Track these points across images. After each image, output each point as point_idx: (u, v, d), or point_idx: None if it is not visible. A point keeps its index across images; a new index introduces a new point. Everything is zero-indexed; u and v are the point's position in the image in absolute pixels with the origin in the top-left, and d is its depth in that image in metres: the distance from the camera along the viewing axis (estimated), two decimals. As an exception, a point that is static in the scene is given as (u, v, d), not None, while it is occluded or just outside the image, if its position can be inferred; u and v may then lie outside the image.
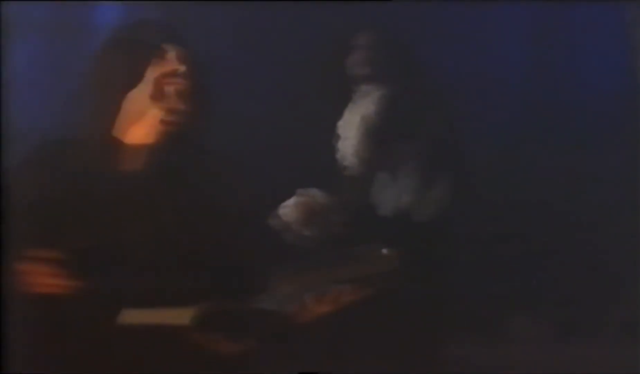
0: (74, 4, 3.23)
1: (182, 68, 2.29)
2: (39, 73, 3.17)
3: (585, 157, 3.40)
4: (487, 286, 3.28)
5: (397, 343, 3.12)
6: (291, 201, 3.22)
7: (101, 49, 2.34)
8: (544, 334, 3.33)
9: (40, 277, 2.11)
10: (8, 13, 2.83)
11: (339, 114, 3.35)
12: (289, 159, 3.26)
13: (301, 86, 3.31)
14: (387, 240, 3.13)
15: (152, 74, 2.28)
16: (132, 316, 2.09)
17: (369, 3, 3.28)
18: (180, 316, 2.06)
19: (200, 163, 2.38)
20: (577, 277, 3.35)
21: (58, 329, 2.15)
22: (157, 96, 2.28)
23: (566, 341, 3.30)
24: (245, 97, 3.30)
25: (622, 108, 3.38)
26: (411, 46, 3.32)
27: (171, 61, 2.29)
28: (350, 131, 3.31)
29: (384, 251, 2.22)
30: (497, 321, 3.33)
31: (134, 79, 2.28)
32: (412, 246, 3.18)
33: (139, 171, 2.28)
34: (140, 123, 2.29)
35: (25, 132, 2.70)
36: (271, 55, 3.36)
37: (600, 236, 3.36)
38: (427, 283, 3.18)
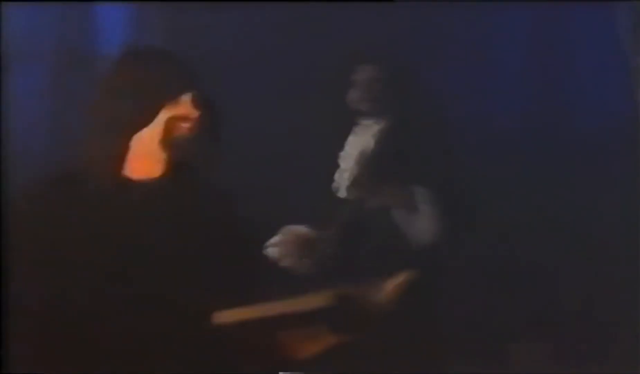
0: (77, 35, 3.27)
1: (195, 114, 2.28)
2: (40, 101, 3.20)
3: (585, 176, 3.42)
4: (488, 312, 3.29)
5: (400, 369, 3.12)
6: (276, 239, 3.22)
7: (109, 84, 2.32)
8: (545, 360, 3.32)
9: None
10: (10, 43, 2.87)
11: (341, 146, 3.36)
12: (289, 188, 3.28)
13: (304, 117, 3.34)
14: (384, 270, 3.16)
15: (163, 116, 2.27)
16: (266, 309, 2.12)
17: (371, 35, 3.31)
18: (315, 301, 2.10)
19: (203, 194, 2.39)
20: (578, 303, 3.35)
21: (58, 329, 2.17)
22: (167, 139, 2.28)
23: (567, 366, 3.29)
24: (247, 126, 3.32)
25: (620, 118, 3.40)
26: (412, 80, 3.34)
27: (185, 106, 2.28)
28: (348, 163, 3.32)
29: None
30: (498, 346, 3.33)
31: (146, 120, 2.27)
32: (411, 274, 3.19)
33: (142, 203, 2.30)
34: (146, 160, 2.29)
35: (27, 158, 2.72)
36: (273, 85, 3.38)
37: (601, 261, 3.36)
38: (428, 309, 3.18)
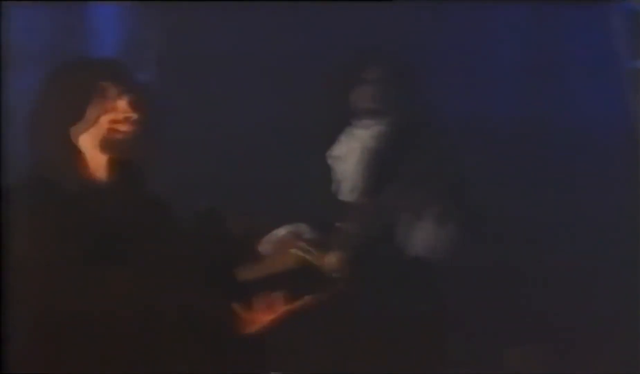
0: (74, 37, 3.27)
1: (133, 115, 2.33)
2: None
3: (581, 178, 3.42)
4: (486, 314, 3.29)
5: (398, 370, 3.12)
6: (275, 236, 3.20)
7: (47, 87, 2.38)
8: (545, 360, 3.32)
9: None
10: (8, 44, 2.87)
11: (332, 146, 3.36)
12: (283, 188, 3.27)
13: (303, 116, 3.33)
14: (383, 273, 3.17)
15: (103, 119, 2.33)
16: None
17: (372, 35, 3.31)
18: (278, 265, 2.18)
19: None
20: (578, 303, 3.35)
21: (58, 329, 2.18)
22: (106, 141, 2.33)
23: (567, 366, 3.30)
24: (242, 126, 3.32)
25: (613, 121, 3.41)
26: (416, 81, 3.34)
27: (122, 109, 2.33)
28: (348, 164, 3.32)
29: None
30: (497, 348, 3.33)
31: (77, 117, 2.33)
32: (407, 279, 3.20)
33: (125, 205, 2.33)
34: (92, 163, 2.34)
35: (23, 160, 2.72)
36: (269, 84, 3.38)
37: (598, 268, 3.37)
38: (422, 314, 3.18)
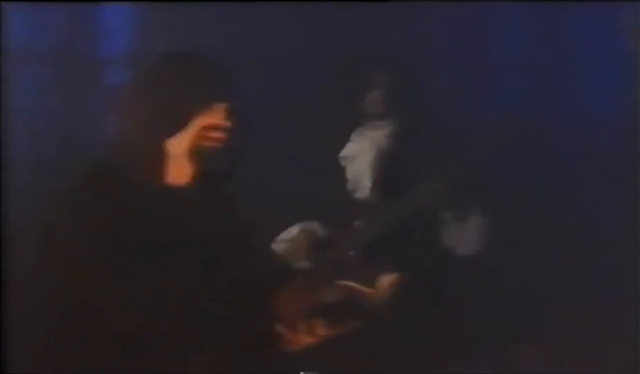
0: (75, 37, 3.27)
1: (226, 124, 2.28)
2: (41, 101, 3.20)
3: (585, 177, 3.42)
4: (487, 313, 3.29)
5: (399, 369, 3.12)
6: (289, 234, 3.21)
7: (143, 88, 2.31)
8: (545, 360, 3.33)
9: None
10: (11, 42, 2.88)
11: (343, 146, 3.36)
12: (296, 187, 3.28)
13: (313, 117, 3.34)
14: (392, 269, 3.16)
15: (196, 124, 2.27)
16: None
17: (379, 37, 3.32)
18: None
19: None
20: (578, 303, 3.36)
21: (58, 329, 2.18)
22: (195, 147, 2.27)
23: (567, 366, 3.30)
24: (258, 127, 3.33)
25: (621, 119, 3.41)
26: (424, 81, 3.34)
27: (217, 115, 2.27)
28: (360, 163, 3.32)
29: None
30: (500, 350, 3.33)
31: (177, 127, 2.26)
32: (415, 274, 3.20)
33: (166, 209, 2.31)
34: (175, 166, 2.29)
35: (27, 157, 2.73)
36: (280, 85, 3.39)
37: (598, 267, 3.37)
38: (429, 311, 3.18)
